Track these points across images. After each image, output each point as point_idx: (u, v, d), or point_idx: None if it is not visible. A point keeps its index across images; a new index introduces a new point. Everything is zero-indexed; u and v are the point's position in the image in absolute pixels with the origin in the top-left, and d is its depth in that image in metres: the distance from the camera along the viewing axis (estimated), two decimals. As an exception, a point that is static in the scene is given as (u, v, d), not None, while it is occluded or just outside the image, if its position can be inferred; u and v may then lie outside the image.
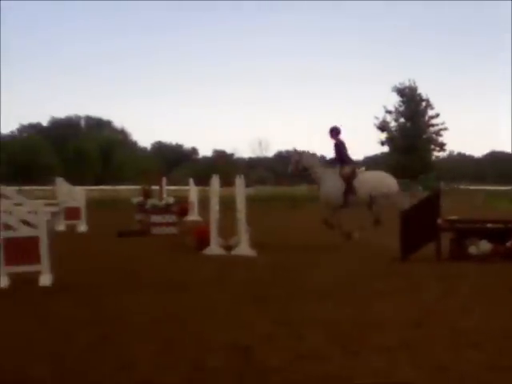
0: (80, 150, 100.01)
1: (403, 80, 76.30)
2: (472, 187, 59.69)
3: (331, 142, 17.33)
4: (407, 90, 75.22)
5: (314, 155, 17.45)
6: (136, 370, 5.90)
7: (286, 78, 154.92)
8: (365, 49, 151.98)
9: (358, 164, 18.40)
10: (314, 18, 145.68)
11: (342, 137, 17.43)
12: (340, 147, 17.25)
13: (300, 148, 17.60)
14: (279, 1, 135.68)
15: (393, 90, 75.82)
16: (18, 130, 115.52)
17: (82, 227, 22.64)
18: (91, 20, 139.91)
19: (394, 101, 75.94)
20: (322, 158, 17.53)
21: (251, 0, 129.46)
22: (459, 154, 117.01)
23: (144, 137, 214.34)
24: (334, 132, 17.32)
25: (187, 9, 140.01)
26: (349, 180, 16.86)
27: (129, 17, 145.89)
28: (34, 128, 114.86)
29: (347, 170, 16.96)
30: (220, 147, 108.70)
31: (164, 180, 23.21)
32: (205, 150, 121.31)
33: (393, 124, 75.57)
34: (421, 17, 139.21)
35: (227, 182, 17.41)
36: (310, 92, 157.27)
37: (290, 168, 17.81)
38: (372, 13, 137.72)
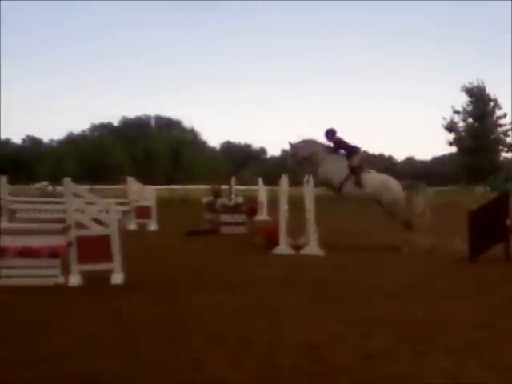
0: (150, 149, 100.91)
1: (472, 80, 75.59)
2: (541, 188, 58.65)
3: (330, 143, 17.45)
4: (476, 90, 74.32)
5: (315, 142, 17.43)
6: (207, 368, 5.97)
7: (358, 77, 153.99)
8: (433, 48, 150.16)
9: (363, 152, 18.18)
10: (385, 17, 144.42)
11: (338, 136, 17.46)
12: (340, 142, 17.35)
13: (295, 139, 17.64)
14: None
15: (461, 90, 75.08)
16: (89, 129, 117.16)
17: (153, 226, 22.88)
18: (161, 22, 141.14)
19: (462, 101, 75.22)
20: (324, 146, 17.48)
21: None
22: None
23: (213, 136, 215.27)
24: (330, 134, 17.43)
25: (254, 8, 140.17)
26: (357, 172, 16.88)
27: (196, 16, 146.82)
28: (105, 128, 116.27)
29: (355, 162, 16.93)
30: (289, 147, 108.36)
31: (233, 180, 23.35)
32: (273, 150, 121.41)
33: (461, 124, 74.78)
34: (489, 15, 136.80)
35: (296, 181, 17.47)
36: (377, 92, 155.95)
37: (288, 162, 17.91)
38: (445, 13, 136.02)
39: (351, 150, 17.14)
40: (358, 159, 17.07)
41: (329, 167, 16.97)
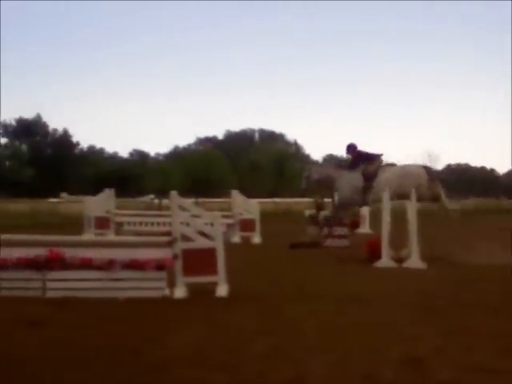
0: (254, 162, 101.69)
1: None
2: None
3: (349, 157, 18.16)
4: None
5: (323, 166, 17.86)
6: (308, 381, 5.98)
7: (459, 90, 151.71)
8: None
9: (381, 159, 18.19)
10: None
11: (359, 149, 18.00)
12: (361, 153, 17.88)
13: (310, 162, 18.24)
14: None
15: None
16: (194, 143, 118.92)
17: (256, 239, 23.07)
18: (266, 37, 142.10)
19: None
20: (338, 165, 17.90)
21: None
22: None
23: (316, 150, 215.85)
24: (351, 148, 18.04)
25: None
26: (370, 181, 17.16)
27: (302, 28, 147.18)
28: (210, 141, 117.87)
29: (370, 168, 17.09)
30: (390, 160, 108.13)
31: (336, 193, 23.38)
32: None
33: None
34: None
35: (400, 194, 17.53)
36: (482, 104, 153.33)
37: (302, 184, 18.79)
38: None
39: (370, 158, 17.52)
40: (375, 167, 17.25)
41: (344, 186, 17.44)
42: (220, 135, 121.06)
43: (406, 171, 17.30)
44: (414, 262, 14.79)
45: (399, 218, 15.83)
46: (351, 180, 17.14)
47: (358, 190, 16.96)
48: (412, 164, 17.86)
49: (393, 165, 18.44)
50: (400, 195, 17.23)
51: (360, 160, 17.49)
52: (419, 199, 17.28)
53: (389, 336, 7.74)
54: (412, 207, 15.32)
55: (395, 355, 6.79)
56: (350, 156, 17.85)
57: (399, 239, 15.50)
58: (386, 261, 15.09)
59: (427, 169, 17.89)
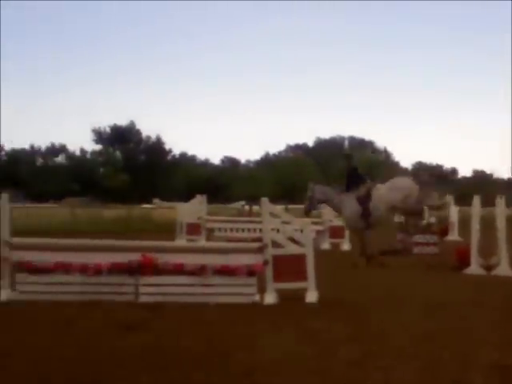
0: (343, 170, 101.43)
1: None
2: None
3: (345, 168, 18.55)
4: None
5: (326, 189, 18.29)
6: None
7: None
8: None
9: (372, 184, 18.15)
10: None
11: (354, 162, 18.79)
12: (355, 170, 18.24)
13: (313, 183, 18.70)
14: None
15: None
16: (285, 150, 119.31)
17: (346, 246, 23.08)
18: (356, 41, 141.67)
19: None
20: (336, 187, 18.55)
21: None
22: None
23: (406, 157, 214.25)
24: (347, 160, 18.64)
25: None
26: (365, 204, 17.31)
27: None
28: (300, 148, 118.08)
29: (362, 192, 17.40)
30: (479, 167, 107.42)
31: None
32: (464, 171, 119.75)
33: None
34: None
35: (488, 202, 17.38)
36: None
37: (306, 204, 18.36)
38: None
39: (360, 180, 17.91)
40: (366, 189, 17.56)
41: (347, 211, 17.74)
42: (310, 142, 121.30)
43: (395, 185, 17.52)
44: (504, 269, 14.67)
45: (488, 225, 15.69)
46: (351, 206, 17.41)
47: (358, 215, 17.26)
48: (400, 178, 18.36)
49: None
50: (394, 208, 17.79)
51: (352, 180, 17.78)
52: (408, 211, 17.54)
53: (478, 342, 7.74)
54: (501, 214, 15.17)
55: (484, 361, 6.81)
56: (346, 165, 18.29)
57: (488, 246, 15.35)
58: (475, 268, 15.00)
59: (417, 179, 18.21)
